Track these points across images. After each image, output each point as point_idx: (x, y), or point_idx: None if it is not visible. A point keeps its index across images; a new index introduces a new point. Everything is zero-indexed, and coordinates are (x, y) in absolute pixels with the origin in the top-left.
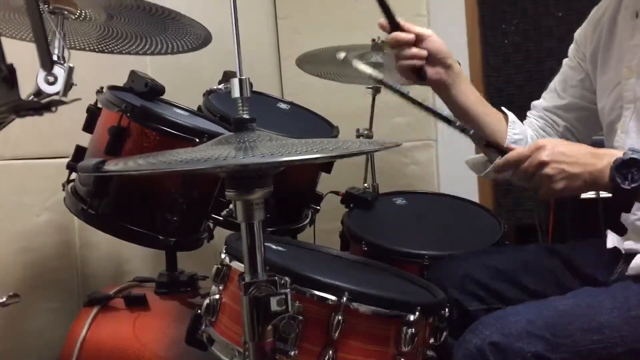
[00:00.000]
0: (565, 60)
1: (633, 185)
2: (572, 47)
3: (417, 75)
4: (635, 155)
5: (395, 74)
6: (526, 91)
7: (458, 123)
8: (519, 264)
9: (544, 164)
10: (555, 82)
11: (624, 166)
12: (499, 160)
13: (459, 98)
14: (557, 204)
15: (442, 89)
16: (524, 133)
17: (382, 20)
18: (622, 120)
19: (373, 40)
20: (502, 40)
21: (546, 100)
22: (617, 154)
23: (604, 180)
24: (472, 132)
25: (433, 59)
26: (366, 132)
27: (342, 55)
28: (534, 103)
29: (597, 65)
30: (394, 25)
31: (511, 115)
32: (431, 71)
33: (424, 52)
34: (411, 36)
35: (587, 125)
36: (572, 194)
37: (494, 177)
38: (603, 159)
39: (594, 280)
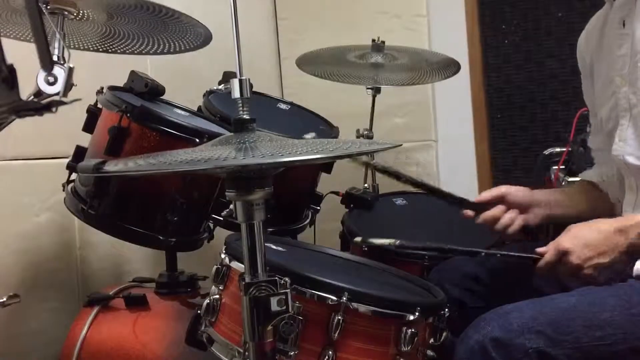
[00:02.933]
0: (582, 77)
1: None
2: (579, 62)
3: (526, 233)
4: None
5: None
6: (526, 91)
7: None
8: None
9: (578, 267)
10: (589, 107)
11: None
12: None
13: (571, 214)
14: None
15: (553, 221)
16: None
17: (466, 211)
18: (619, 128)
19: (373, 40)
20: (502, 40)
21: (592, 142)
22: (637, 219)
23: (637, 251)
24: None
25: (522, 207)
26: (366, 132)
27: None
28: (590, 146)
29: (594, 77)
30: (474, 207)
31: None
32: (530, 218)
33: (516, 212)
34: (501, 207)
35: None
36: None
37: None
38: (629, 232)
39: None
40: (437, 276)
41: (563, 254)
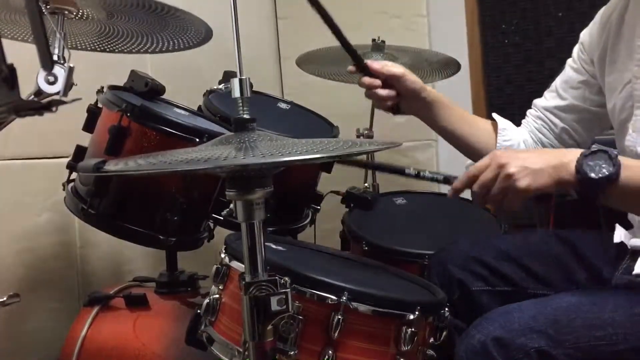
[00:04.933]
0: (568, 61)
1: (600, 175)
2: (576, 49)
3: (393, 110)
4: (602, 148)
5: None
6: (526, 91)
7: (412, 172)
8: (525, 247)
9: (503, 165)
10: (557, 82)
11: (591, 157)
12: (457, 182)
13: (441, 124)
14: (557, 204)
15: (421, 118)
16: (516, 139)
17: (351, 66)
18: (633, 119)
19: (373, 40)
20: (502, 40)
21: (547, 99)
22: (582, 150)
23: (569, 174)
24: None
25: (406, 95)
26: (366, 132)
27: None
28: (535, 101)
29: (605, 65)
30: (362, 69)
31: (501, 123)
32: (406, 106)
33: (393, 93)
34: (377, 82)
35: (586, 127)
36: (537, 193)
37: (505, 215)
38: (568, 154)
39: (598, 274)
40: (440, 257)
41: (494, 155)
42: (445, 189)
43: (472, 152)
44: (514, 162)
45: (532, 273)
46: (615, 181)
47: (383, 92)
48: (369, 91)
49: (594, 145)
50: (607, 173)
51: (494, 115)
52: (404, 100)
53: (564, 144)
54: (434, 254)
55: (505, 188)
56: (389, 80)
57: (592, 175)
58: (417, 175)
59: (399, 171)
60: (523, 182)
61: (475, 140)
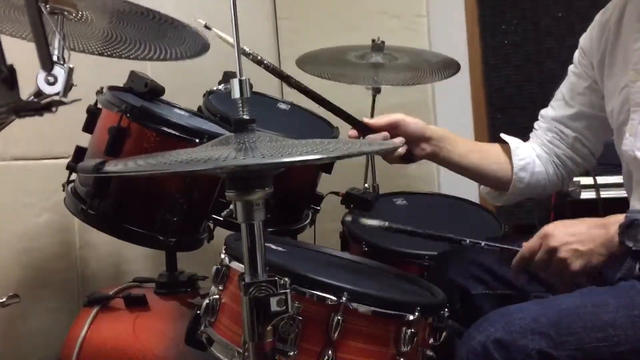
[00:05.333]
0: (570, 67)
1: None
2: (577, 54)
3: (407, 159)
4: (637, 216)
5: None
6: (526, 91)
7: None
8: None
9: (554, 250)
10: (563, 90)
11: (629, 229)
12: (514, 264)
13: (452, 159)
14: (557, 205)
15: (434, 159)
16: (529, 156)
17: (351, 131)
18: (630, 123)
19: (373, 40)
20: (502, 41)
21: (554, 109)
22: (622, 218)
23: (616, 248)
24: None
25: (412, 139)
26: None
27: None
28: (542, 112)
29: (605, 70)
30: (363, 129)
31: (513, 142)
32: (416, 150)
33: (401, 140)
34: (384, 134)
35: (597, 133)
36: (594, 271)
37: (513, 201)
38: (610, 227)
39: (600, 276)
40: (442, 261)
41: (544, 237)
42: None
43: (487, 180)
44: (564, 246)
45: (532, 276)
46: None
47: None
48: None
49: (628, 213)
50: None
51: (503, 135)
52: (412, 145)
53: (577, 152)
54: (434, 259)
55: (561, 271)
56: (391, 130)
57: (637, 247)
58: (473, 245)
59: (455, 241)
60: (576, 266)
61: (489, 168)
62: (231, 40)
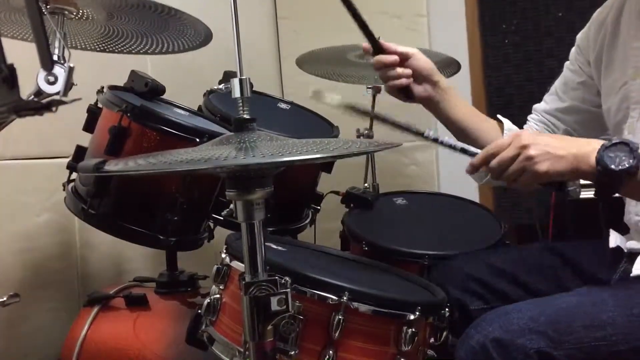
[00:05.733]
0: (566, 63)
1: (621, 167)
2: (573, 51)
3: (405, 94)
4: (624, 140)
5: None
6: (526, 91)
7: (432, 136)
8: (521, 263)
9: (525, 146)
10: (557, 85)
11: (612, 149)
12: (477, 157)
13: (450, 113)
14: (557, 204)
15: (432, 106)
16: None
17: (365, 44)
18: (629, 120)
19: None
20: (502, 40)
21: (547, 102)
22: (604, 141)
23: (588, 165)
24: (453, 145)
25: (419, 76)
26: (366, 132)
27: (312, 92)
28: (535, 106)
29: (602, 68)
30: (376, 48)
31: (507, 123)
32: (418, 89)
33: (409, 71)
34: (394, 57)
35: (587, 127)
36: (555, 179)
37: (495, 184)
38: (589, 144)
39: (595, 279)
40: (439, 277)
41: (517, 135)
42: (446, 188)
43: (478, 145)
44: (535, 145)
45: (528, 288)
46: (635, 174)
47: (400, 69)
48: (383, 70)
49: (615, 137)
50: (627, 165)
51: (499, 116)
52: (416, 82)
53: None
54: (432, 274)
55: (524, 168)
56: (402, 60)
57: (613, 167)
58: (435, 140)
59: (419, 133)
60: (543, 166)
61: (482, 135)
62: (337, 102)
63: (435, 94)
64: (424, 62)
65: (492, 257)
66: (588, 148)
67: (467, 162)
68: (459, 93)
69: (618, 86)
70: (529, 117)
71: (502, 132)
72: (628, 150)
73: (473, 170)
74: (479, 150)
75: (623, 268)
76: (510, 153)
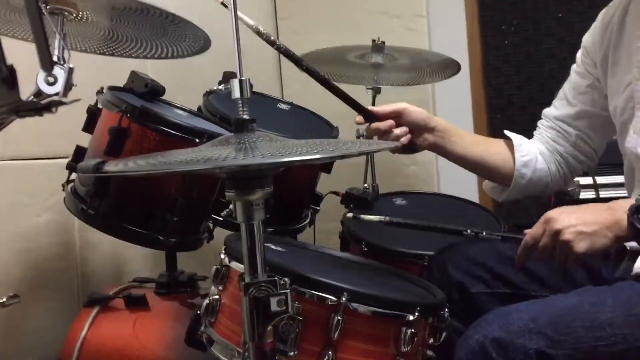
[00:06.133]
0: (573, 67)
1: None
2: (579, 54)
3: (409, 149)
4: None
5: None
6: (526, 91)
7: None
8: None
9: (558, 232)
10: (565, 90)
11: (639, 210)
12: (519, 253)
13: (456, 150)
14: (557, 204)
15: (437, 150)
16: (532, 153)
17: (358, 117)
18: (634, 120)
19: (373, 40)
20: (502, 40)
21: (557, 108)
22: (630, 202)
23: (622, 231)
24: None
25: (415, 128)
26: (366, 132)
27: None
28: (545, 111)
29: (608, 68)
30: (369, 116)
31: (516, 139)
32: (419, 140)
33: (405, 129)
34: (389, 122)
35: (599, 131)
36: (600, 253)
37: (515, 197)
38: (617, 210)
39: (598, 273)
40: (441, 258)
41: (547, 221)
42: (446, 188)
43: (490, 173)
44: (567, 229)
45: (532, 275)
46: None
47: (397, 130)
48: (385, 136)
49: (637, 196)
50: None
51: (507, 132)
52: (415, 134)
53: (580, 150)
54: (433, 256)
55: (565, 253)
56: (395, 119)
57: None
58: (476, 235)
59: (457, 232)
60: (581, 247)
61: (492, 162)
62: (250, 22)
63: (437, 139)
64: (416, 115)
65: (495, 243)
66: (617, 215)
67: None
68: (459, 93)
69: (623, 86)
70: (538, 123)
71: (512, 148)
72: None
73: (520, 266)
74: (515, 235)
75: (625, 266)
76: (547, 242)
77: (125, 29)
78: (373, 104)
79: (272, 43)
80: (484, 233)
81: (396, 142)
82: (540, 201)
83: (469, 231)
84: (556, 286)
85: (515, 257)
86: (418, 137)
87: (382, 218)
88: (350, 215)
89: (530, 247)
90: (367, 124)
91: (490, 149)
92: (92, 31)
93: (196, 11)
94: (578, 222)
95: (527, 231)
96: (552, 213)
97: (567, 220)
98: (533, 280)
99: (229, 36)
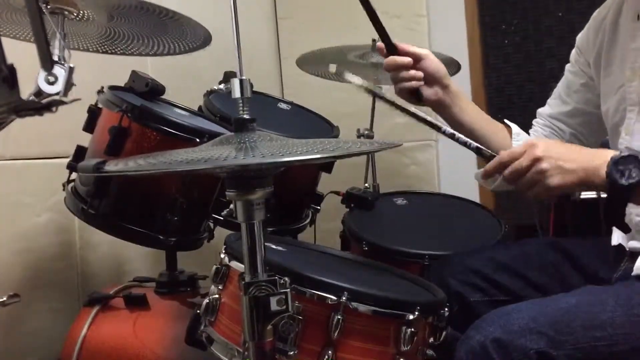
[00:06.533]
0: (567, 66)
1: (630, 181)
2: (573, 53)
3: (415, 96)
4: (633, 152)
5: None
6: (526, 91)
7: (449, 131)
8: (522, 257)
9: (538, 159)
10: (559, 88)
11: (621, 162)
12: (489, 166)
13: (459, 116)
14: (557, 204)
15: (442, 109)
16: None
17: (380, 43)
18: (626, 122)
19: (373, 40)
20: (502, 40)
21: (551, 106)
22: (615, 152)
23: (599, 178)
24: (468, 143)
25: (430, 79)
26: (367, 132)
27: (333, 68)
28: (540, 110)
29: (601, 69)
30: (391, 48)
31: (515, 128)
32: (429, 92)
33: (420, 74)
34: (407, 59)
35: (593, 130)
36: (566, 192)
37: (504, 188)
38: (599, 156)
39: (596, 276)
40: (439, 268)
41: (531, 146)
42: (446, 188)
43: (488, 149)
44: (548, 159)
45: (530, 283)
46: None
47: (412, 71)
48: (395, 72)
49: (624, 149)
50: (637, 179)
51: (506, 121)
52: (427, 85)
53: None
54: (431, 266)
55: (536, 181)
56: (415, 61)
57: (622, 181)
58: (451, 136)
59: (436, 127)
60: (554, 180)
61: (492, 138)
62: (358, 82)
63: (446, 98)
64: (436, 65)
65: (493, 251)
66: (598, 161)
67: (467, 163)
68: None
69: (616, 87)
70: (534, 122)
71: (511, 136)
72: (637, 163)
73: (486, 176)
74: (492, 152)
75: (624, 267)
76: (524, 164)
77: (126, 26)
78: (373, 104)
79: (379, 97)
80: (461, 136)
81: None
82: (541, 202)
83: (447, 128)
84: (553, 292)
85: (511, 263)
86: (429, 89)
87: (368, 84)
88: (332, 69)
89: (504, 163)
90: (385, 55)
91: (491, 127)
92: (92, 30)
93: (196, 11)
94: (559, 156)
95: (502, 152)
96: (537, 140)
97: (550, 150)
98: (530, 287)
99: (229, 36)
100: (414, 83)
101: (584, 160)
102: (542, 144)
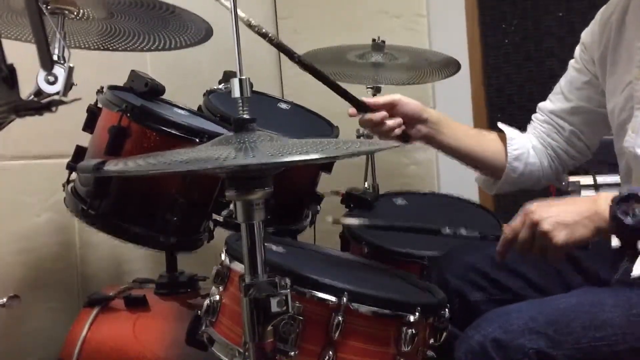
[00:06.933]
0: (571, 62)
1: (636, 219)
2: (578, 49)
3: (402, 139)
4: (634, 190)
5: None
6: (526, 91)
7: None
8: (521, 257)
9: (536, 224)
10: (562, 84)
11: (624, 202)
12: (499, 247)
13: (448, 142)
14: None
15: (430, 142)
16: (524, 146)
17: (351, 109)
18: (633, 120)
19: (373, 39)
20: (502, 40)
21: (552, 102)
22: (613, 193)
23: (604, 222)
24: None
25: (408, 120)
26: (366, 132)
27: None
28: (540, 105)
29: (607, 67)
30: (362, 107)
31: (509, 132)
32: (412, 131)
33: (399, 120)
34: (382, 114)
35: (594, 128)
36: (578, 244)
37: (505, 191)
38: (599, 201)
39: (596, 277)
40: (439, 267)
41: (526, 214)
42: (446, 188)
43: (482, 166)
44: (546, 220)
45: (530, 282)
46: None
47: (390, 121)
48: (378, 127)
49: (622, 188)
50: None
51: (500, 124)
52: (408, 126)
53: (573, 146)
54: (431, 264)
55: (544, 245)
56: (389, 110)
57: (628, 220)
58: (454, 235)
59: (434, 232)
60: (560, 239)
61: (484, 155)
62: (242, 14)
63: (430, 130)
64: (410, 106)
65: (493, 249)
66: (599, 206)
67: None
68: (459, 92)
69: (623, 85)
70: (533, 117)
71: (505, 141)
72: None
73: (501, 258)
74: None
75: (624, 268)
76: (526, 234)
77: (126, 23)
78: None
79: (263, 35)
80: (463, 231)
81: (394, 143)
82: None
83: (447, 230)
84: (553, 292)
85: (511, 262)
86: (411, 129)
87: (362, 221)
88: (329, 219)
89: (510, 240)
90: (361, 115)
91: (482, 142)
92: (91, 27)
93: (196, 11)
94: (557, 213)
95: (505, 225)
96: (530, 206)
97: (546, 211)
98: (530, 286)
99: (229, 35)
100: (396, 131)
101: (584, 210)
102: (536, 207)
